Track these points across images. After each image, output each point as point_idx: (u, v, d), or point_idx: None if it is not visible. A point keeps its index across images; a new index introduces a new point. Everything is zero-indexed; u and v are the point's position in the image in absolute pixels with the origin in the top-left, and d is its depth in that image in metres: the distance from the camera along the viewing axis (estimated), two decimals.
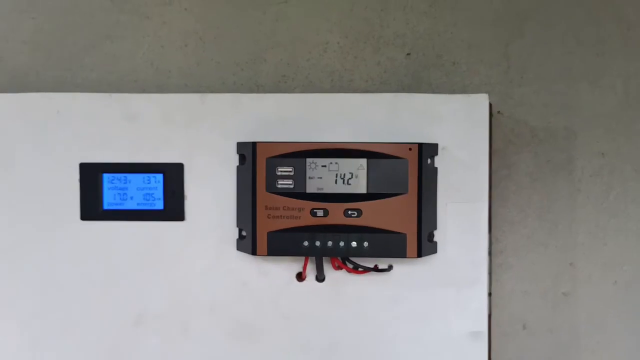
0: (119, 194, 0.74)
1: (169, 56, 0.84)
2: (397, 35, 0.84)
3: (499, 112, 0.85)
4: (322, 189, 0.69)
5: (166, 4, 0.83)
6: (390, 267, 0.73)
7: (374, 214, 0.69)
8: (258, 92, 0.84)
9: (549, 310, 0.87)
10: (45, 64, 0.83)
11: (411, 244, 0.70)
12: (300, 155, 0.69)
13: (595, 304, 0.87)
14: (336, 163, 0.69)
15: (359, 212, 0.69)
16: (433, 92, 0.84)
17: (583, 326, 0.87)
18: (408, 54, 0.85)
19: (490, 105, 0.75)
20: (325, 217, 0.69)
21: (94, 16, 0.83)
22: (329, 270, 0.73)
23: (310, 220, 0.69)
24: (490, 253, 0.78)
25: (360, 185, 0.69)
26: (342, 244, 0.69)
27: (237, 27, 0.84)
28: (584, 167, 0.86)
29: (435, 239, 0.73)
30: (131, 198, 0.74)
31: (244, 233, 0.72)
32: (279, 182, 0.69)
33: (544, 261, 0.86)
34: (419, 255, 0.70)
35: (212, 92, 0.83)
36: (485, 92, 0.83)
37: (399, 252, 0.70)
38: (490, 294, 0.76)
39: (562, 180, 0.86)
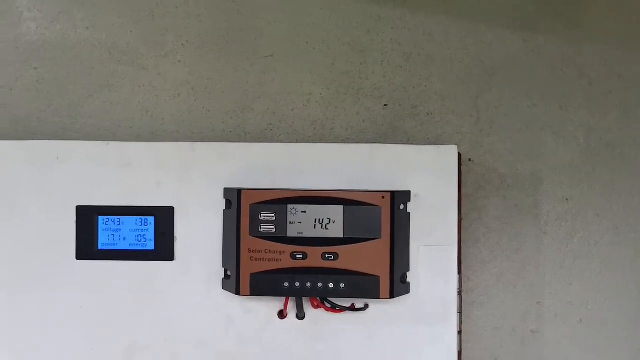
0: (112, 235, 0.79)
1: (162, 104, 0.89)
2: (375, 87, 0.91)
3: (470, 159, 0.91)
4: (301, 233, 0.74)
5: (161, 56, 0.89)
6: (366, 306, 0.78)
7: (349, 258, 0.74)
8: (246, 139, 0.89)
9: (518, 346, 0.91)
10: (47, 111, 0.88)
11: (384, 286, 0.75)
12: (282, 202, 0.74)
13: (561, 340, 0.92)
14: (315, 209, 0.75)
15: (336, 256, 0.74)
16: (409, 140, 0.90)
17: None
18: (385, 105, 0.91)
19: (460, 154, 0.81)
20: (305, 260, 0.74)
21: (93, 67, 0.89)
22: (308, 308, 0.78)
23: (291, 263, 0.74)
24: (461, 292, 0.83)
25: (337, 230, 0.75)
26: (320, 285, 0.74)
27: (226, 78, 0.90)
28: (549, 211, 0.92)
29: (408, 279, 0.78)
30: (124, 239, 0.79)
31: (229, 273, 0.76)
32: (262, 227, 0.75)
33: (513, 300, 0.91)
34: (391, 296, 0.75)
35: (202, 138, 0.89)
36: (458, 141, 0.90)
37: (373, 293, 0.75)
38: (460, 332, 0.81)
39: (529, 224, 0.91)
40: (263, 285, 0.74)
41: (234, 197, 0.75)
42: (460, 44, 0.91)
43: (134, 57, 0.89)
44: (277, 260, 0.74)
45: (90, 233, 0.78)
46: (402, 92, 0.91)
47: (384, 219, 0.75)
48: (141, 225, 0.79)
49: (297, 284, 0.74)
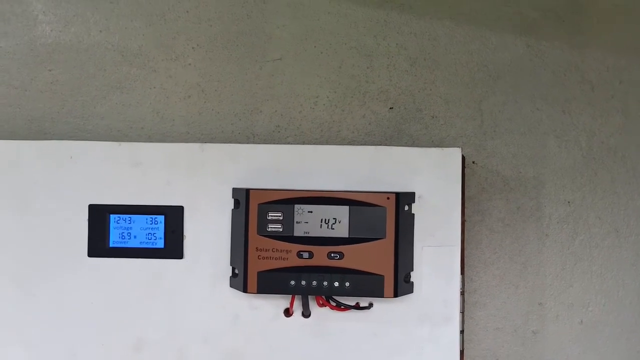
0: (123, 233, 0.81)
1: (173, 106, 0.91)
2: (381, 90, 0.92)
3: (473, 162, 0.92)
4: (308, 232, 0.76)
5: (172, 59, 0.91)
6: (370, 305, 0.80)
7: (354, 257, 0.76)
8: (254, 140, 0.91)
9: (519, 346, 0.93)
10: (60, 112, 0.90)
11: (388, 285, 0.76)
12: (289, 202, 0.76)
13: (562, 341, 0.93)
14: (321, 209, 0.76)
15: (341, 255, 0.76)
16: (413, 143, 0.92)
17: None
18: (391, 108, 0.92)
19: (464, 157, 0.83)
20: (311, 259, 0.76)
21: (106, 69, 0.91)
22: (314, 306, 0.80)
23: (297, 262, 0.76)
24: (463, 292, 0.84)
25: (342, 230, 0.76)
26: (325, 283, 0.76)
27: (236, 80, 0.92)
28: (551, 214, 0.93)
29: (412, 279, 0.79)
30: (135, 237, 0.81)
31: (236, 271, 0.78)
32: (269, 226, 0.76)
33: (515, 300, 0.93)
34: (395, 295, 0.76)
35: (211, 139, 0.91)
36: (461, 144, 0.91)
37: (377, 292, 0.76)
38: (462, 331, 0.83)
39: (531, 226, 0.93)
40: (270, 283, 0.76)
41: (242, 197, 0.77)
42: (465, 48, 0.93)
43: (145, 59, 0.91)
44: (283, 259, 0.76)
45: (102, 231, 0.80)
46: (408, 96, 0.92)
47: (388, 220, 0.76)
48: (151, 223, 0.80)
49: (303, 283, 0.76)
